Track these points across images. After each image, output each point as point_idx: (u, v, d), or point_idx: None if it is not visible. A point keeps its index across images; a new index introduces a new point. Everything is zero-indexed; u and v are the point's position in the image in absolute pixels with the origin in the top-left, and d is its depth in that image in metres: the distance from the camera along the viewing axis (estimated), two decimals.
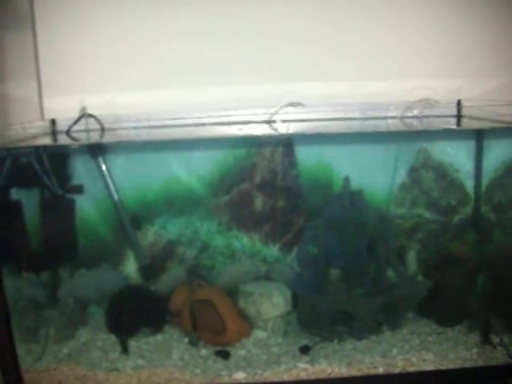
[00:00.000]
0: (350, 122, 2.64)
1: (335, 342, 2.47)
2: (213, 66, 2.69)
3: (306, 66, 2.71)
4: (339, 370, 2.31)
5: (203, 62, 2.69)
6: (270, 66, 2.70)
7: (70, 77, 2.68)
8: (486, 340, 2.41)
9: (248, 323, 2.56)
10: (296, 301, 2.58)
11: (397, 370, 2.32)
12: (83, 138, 2.59)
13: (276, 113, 2.62)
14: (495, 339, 2.42)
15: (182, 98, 2.70)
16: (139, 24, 2.66)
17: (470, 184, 2.83)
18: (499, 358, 2.36)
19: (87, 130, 2.62)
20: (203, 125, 2.63)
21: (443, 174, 2.82)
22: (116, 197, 2.71)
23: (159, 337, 2.57)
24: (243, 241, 2.82)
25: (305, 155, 2.80)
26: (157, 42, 2.68)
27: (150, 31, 2.67)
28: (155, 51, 2.68)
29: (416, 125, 2.62)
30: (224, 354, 2.41)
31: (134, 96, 2.69)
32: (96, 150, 2.66)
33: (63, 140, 2.60)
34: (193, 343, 2.49)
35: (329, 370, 2.31)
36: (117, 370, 2.33)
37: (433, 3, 2.70)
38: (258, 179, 2.80)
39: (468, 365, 2.34)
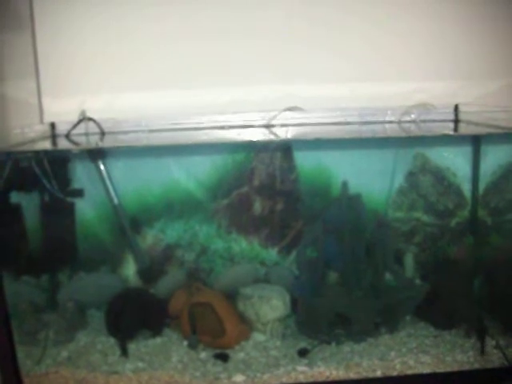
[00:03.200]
0: (348, 127, 2.66)
1: (333, 344, 2.48)
2: (212, 70, 2.70)
3: (303, 70, 2.71)
4: (337, 373, 2.33)
5: (203, 66, 2.69)
6: (269, 69, 2.71)
7: (69, 79, 2.67)
8: (480, 344, 2.43)
9: (247, 326, 2.57)
10: (295, 304, 2.59)
11: (395, 373, 2.33)
12: (83, 142, 2.60)
13: (275, 117, 2.63)
14: (491, 342, 2.44)
15: (181, 101, 2.70)
16: (139, 26, 2.66)
17: (467, 188, 2.84)
18: (495, 360, 2.38)
19: (87, 134, 2.62)
20: (202, 129, 2.64)
21: (441, 178, 2.83)
22: (116, 200, 2.71)
23: (158, 340, 2.57)
24: (242, 244, 2.83)
25: (303, 160, 2.81)
26: (157, 44, 2.67)
27: (149, 33, 2.66)
28: (154, 54, 2.68)
29: (413, 129, 2.64)
30: (223, 357, 2.42)
31: (134, 99, 2.69)
32: (96, 154, 2.67)
33: (63, 143, 2.60)
34: (192, 346, 2.50)
35: (327, 373, 2.33)
36: (116, 373, 2.34)
37: (431, 5, 2.71)
38: (256, 183, 2.82)
39: (465, 368, 2.35)
